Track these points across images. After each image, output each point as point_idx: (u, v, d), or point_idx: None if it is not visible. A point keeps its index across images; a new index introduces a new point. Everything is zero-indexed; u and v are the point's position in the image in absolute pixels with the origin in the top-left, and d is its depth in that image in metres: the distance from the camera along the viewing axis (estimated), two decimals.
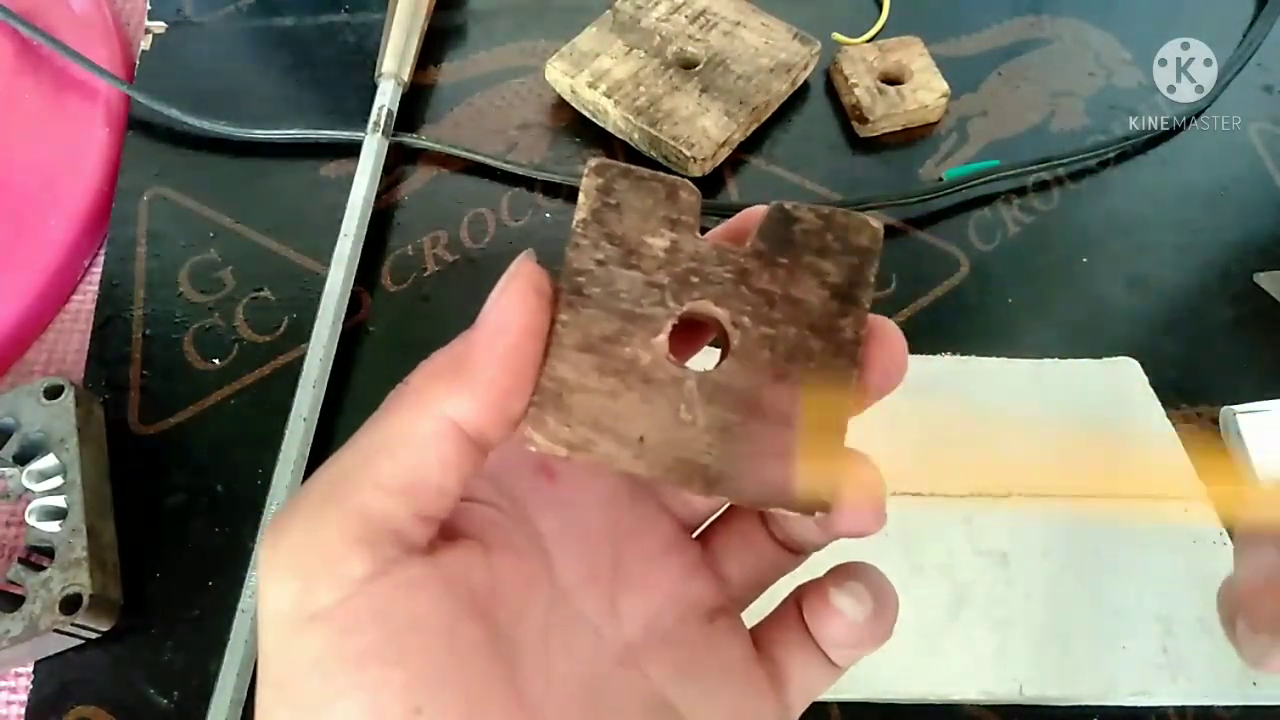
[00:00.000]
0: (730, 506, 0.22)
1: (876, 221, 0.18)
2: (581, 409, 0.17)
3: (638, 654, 0.20)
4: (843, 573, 0.20)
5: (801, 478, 0.18)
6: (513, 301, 0.17)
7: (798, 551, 0.21)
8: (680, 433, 0.18)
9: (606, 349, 0.18)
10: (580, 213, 0.18)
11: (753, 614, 0.22)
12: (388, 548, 0.16)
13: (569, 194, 0.44)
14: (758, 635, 0.21)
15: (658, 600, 0.20)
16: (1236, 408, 0.38)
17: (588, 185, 0.18)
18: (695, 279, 0.18)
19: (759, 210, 0.19)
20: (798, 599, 0.21)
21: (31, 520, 0.32)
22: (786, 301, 0.18)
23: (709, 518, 0.22)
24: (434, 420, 0.16)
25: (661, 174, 0.19)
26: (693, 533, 0.22)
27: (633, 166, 0.18)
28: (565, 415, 0.17)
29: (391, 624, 0.16)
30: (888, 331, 0.18)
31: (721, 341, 0.19)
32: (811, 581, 0.20)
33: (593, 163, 0.18)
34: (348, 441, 0.17)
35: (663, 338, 0.18)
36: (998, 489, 0.35)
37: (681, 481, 0.17)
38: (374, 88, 0.45)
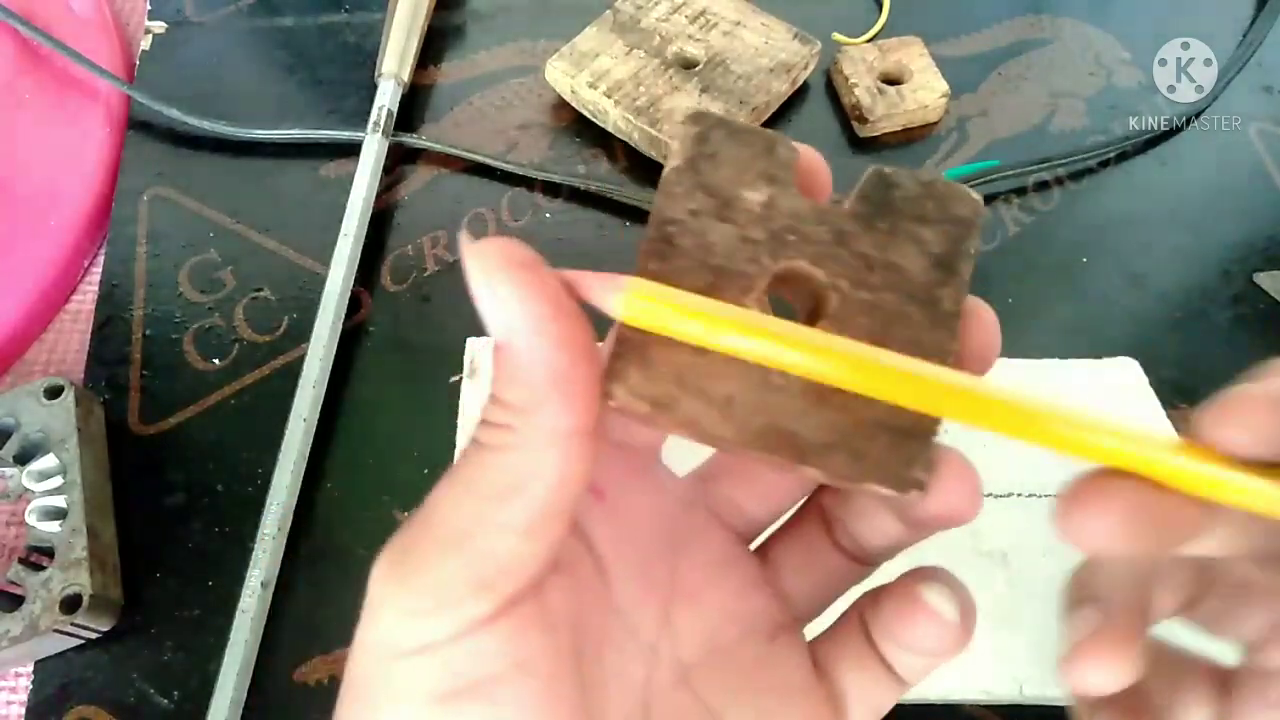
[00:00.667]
0: (792, 515, 0.22)
1: (977, 194, 0.18)
2: (666, 363, 0.16)
3: (693, 674, 0.19)
4: (922, 574, 0.19)
5: (898, 453, 0.16)
6: (527, 303, 0.15)
7: (865, 561, 0.20)
8: (771, 397, 0.16)
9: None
10: (674, 160, 0.17)
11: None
12: (509, 588, 0.16)
13: (569, 194, 0.44)
14: (815, 652, 0.20)
15: (714, 617, 0.20)
16: None
17: (684, 133, 0.17)
18: (792, 237, 0.17)
19: (816, 157, 0.18)
20: (860, 611, 0.20)
21: (31, 520, 0.32)
22: (886, 267, 0.17)
23: (766, 528, 0.22)
24: (555, 441, 0.16)
25: (760, 128, 0.18)
26: (749, 544, 0.22)
27: (730, 118, 0.18)
28: (649, 369, 0.16)
29: (496, 666, 0.16)
30: (982, 310, 0.18)
31: (810, 309, 0.18)
32: (882, 587, 0.19)
33: (690, 111, 0.18)
34: (460, 480, 0.16)
35: (756, 295, 0.17)
36: (998, 489, 0.35)
37: (769, 449, 0.16)
38: (374, 88, 0.45)
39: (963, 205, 0.18)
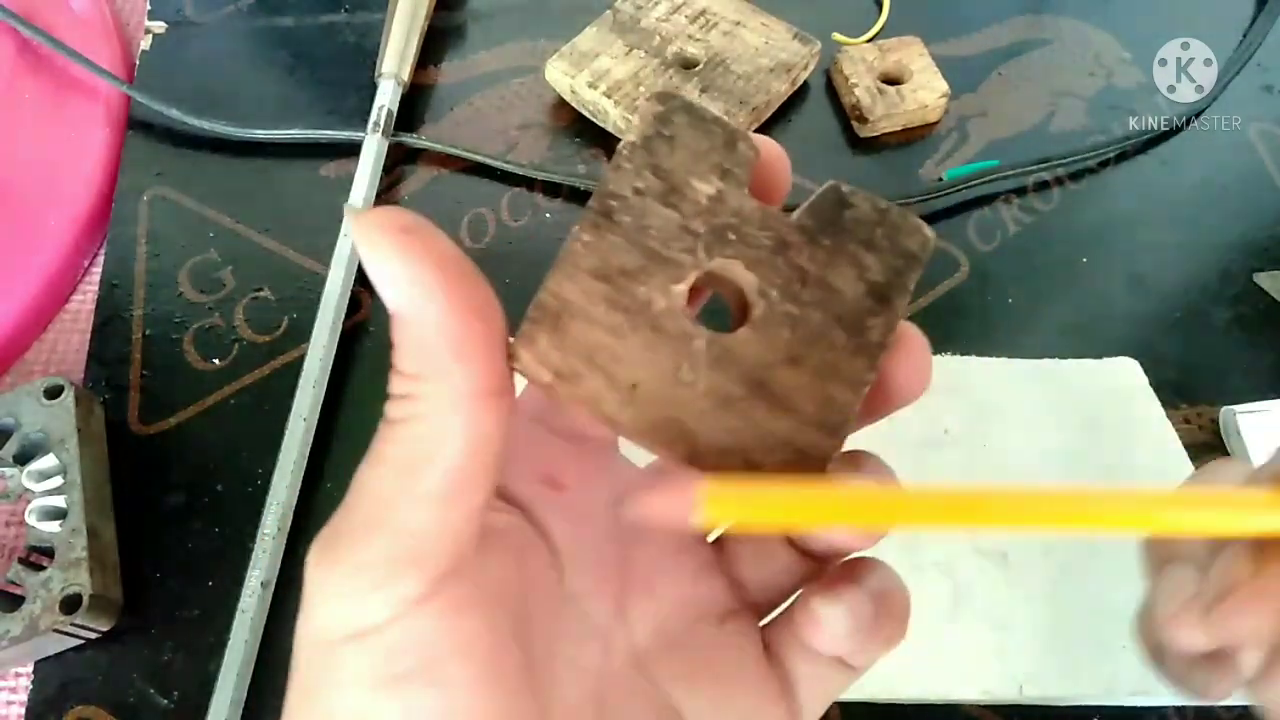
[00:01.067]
0: None
1: (930, 230, 0.18)
2: (579, 337, 0.16)
3: (646, 660, 0.19)
4: (841, 575, 0.19)
5: (788, 473, 0.16)
6: (412, 267, 0.15)
7: (815, 559, 0.20)
8: (675, 392, 0.16)
9: (621, 283, 0.16)
10: (630, 135, 0.17)
11: None
12: (435, 564, 0.15)
13: (569, 194, 0.44)
14: (768, 637, 0.20)
15: (666, 604, 0.20)
16: (1236, 408, 0.38)
17: (645, 110, 0.17)
18: (732, 236, 0.17)
19: (776, 151, 0.18)
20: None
21: (31, 520, 0.32)
22: (820, 285, 0.17)
23: None
24: (458, 405, 0.15)
25: (725, 119, 0.18)
26: (705, 535, 0.22)
27: (697, 103, 0.17)
28: (560, 339, 0.16)
29: (436, 649, 0.15)
30: (914, 342, 0.18)
31: (739, 310, 0.18)
32: (814, 583, 0.19)
33: (657, 90, 0.18)
34: (374, 457, 0.16)
35: (683, 287, 0.17)
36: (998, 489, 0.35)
37: (663, 443, 0.16)
38: (374, 88, 0.45)
39: (913, 239, 0.17)
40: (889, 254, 0.17)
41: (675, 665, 0.19)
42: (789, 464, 0.16)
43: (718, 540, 0.22)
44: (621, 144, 0.17)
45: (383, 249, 0.15)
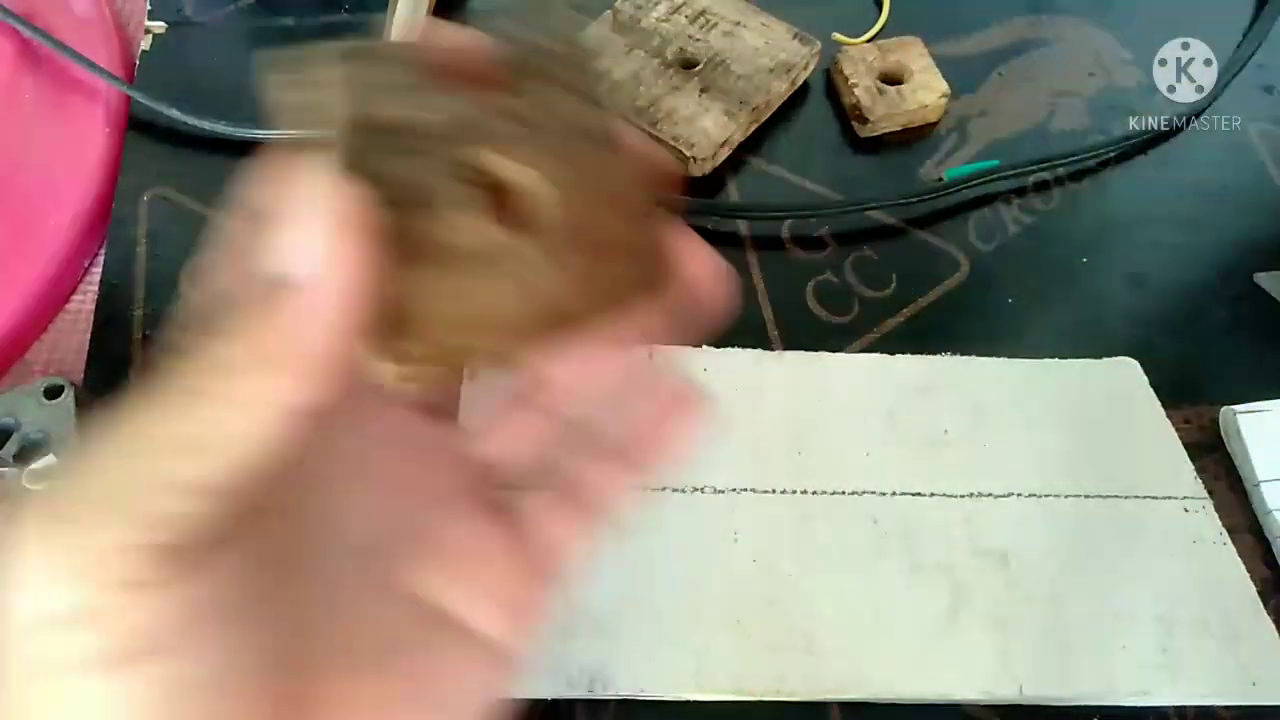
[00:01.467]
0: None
1: (578, 37, 0.18)
2: (431, 319, 0.15)
3: (394, 560, 0.18)
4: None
5: (643, 261, 0.17)
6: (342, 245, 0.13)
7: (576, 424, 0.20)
8: (540, 300, 0.16)
9: (427, 246, 0.15)
10: (343, 110, 0.15)
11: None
12: (184, 549, 0.14)
13: None
14: (512, 505, 0.20)
15: (399, 493, 0.19)
16: (1236, 408, 0.38)
17: (338, 78, 0.16)
18: (481, 140, 0.16)
19: (460, 39, 0.18)
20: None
21: None
22: (573, 135, 0.17)
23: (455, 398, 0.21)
24: (268, 415, 0.14)
25: (403, 43, 0.17)
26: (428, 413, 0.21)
27: (373, 43, 0.17)
28: (417, 331, 0.15)
29: (171, 625, 0.14)
30: (690, 245, 0.18)
31: (525, 199, 0.17)
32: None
33: (338, 54, 0.16)
34: (143, 423, 0.14)
35: (477, 212, 0.16)
36: (998, 489, 0.35)
37: (563, 347, 0.16)
38: None
39: (579, 51, 0.18)
40: (576, 72, 0.18)
41: (420, 554, 0.18)
42: (634, 261, 0.17)
43: (444, 417, 0.21)
44: (340, 124, 0.15)
45: (308, 200, 0.14)
